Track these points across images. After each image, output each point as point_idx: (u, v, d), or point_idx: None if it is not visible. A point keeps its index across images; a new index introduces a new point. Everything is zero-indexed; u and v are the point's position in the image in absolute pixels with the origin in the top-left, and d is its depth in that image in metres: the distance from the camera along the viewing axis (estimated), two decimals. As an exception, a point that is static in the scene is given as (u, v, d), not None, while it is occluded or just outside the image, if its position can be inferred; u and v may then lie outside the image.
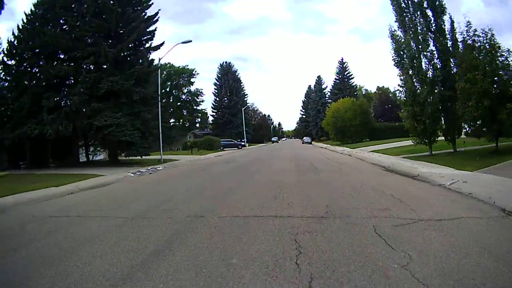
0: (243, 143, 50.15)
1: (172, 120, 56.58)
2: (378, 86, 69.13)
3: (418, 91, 12.95)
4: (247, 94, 76.27)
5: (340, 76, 58.70)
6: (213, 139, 34.58)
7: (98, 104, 17.76)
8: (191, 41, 20.68)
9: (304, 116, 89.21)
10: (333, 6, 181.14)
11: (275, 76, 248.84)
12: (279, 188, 7.13)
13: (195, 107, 54.95)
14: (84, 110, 18.34)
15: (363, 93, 69.85)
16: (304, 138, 59.86)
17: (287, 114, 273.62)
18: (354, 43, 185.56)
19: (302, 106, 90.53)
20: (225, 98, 60.48)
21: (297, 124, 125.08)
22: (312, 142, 55.39)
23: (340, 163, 13.38)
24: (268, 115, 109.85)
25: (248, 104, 67.57)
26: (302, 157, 18.45)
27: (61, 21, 19.45)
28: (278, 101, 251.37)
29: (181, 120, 55.41)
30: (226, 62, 62.57)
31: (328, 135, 63.32)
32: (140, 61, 20.36)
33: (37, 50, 19.34)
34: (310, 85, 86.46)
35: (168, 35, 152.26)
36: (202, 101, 54.79)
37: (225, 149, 39.00)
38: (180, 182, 9.84)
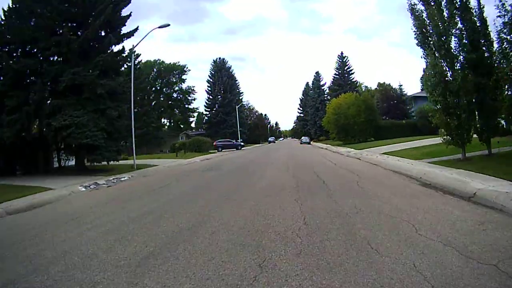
0: (242, 144, 47.73)
1: (164, 121, 53.78)
2: (379, 83, 66.21)
3: (449, 76, 10.16)
4: (242, 92, 73.45)
5: (339, 71, 55.83)
6: (202, 140, 31.60)
7: (57, 101, 14.95)
8: (169, 25, 17.79)
9: (301, 115, 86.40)
10: (329, 5, 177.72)
11: (271, 75, 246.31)
12: (258, 256, 3.46)
13: (187, 106, 51.99)
14: (44, 108, 15.59)
15: (363, 90, 67.16)
16: (302, 138, 56.72)
17: (284, 114, 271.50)
18: (351, 41, 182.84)
19: (299, 105, 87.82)
20: (219, 96, 57.31)
21: (294, 123, 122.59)
22: (311, 142, 52.60)
23: (353, 172, 10.46)
24: (265, 115, 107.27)
25: (243, 102, 64.68)
26: (301, 162, 15.60)
27: (35, 12, 16.77)
28: (275, 101, 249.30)
29: (172, 120, 52.54)
30: (219, 58, 59.51)
31: (328, 135, 60.65)
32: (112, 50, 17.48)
33: (12, 47, 16.78)
34: (307, 82, 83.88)
35: (164, 35, 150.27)
36: (194, 99, 51.86)
37: (223, 150, 36.61)
38: (123, 209, 6.83)
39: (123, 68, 19.94)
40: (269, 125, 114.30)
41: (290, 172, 11.31)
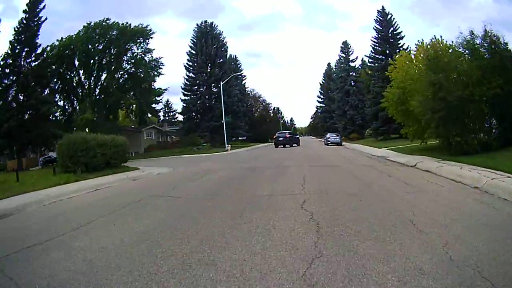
0: (297, 136, 38.97)
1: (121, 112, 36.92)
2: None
3: None
4: (244, 76, 55.69)
5: (381, 34, 36.83)
6: (81, 140, 11.82)
7: None
8: None
9: (323, 105, 67.66)
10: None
11: (287, 72, 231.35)
12: None
13: (151, 87, 34.71)
14: None
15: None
16: (329, 135, 36.43)
17: (300, 111, 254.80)
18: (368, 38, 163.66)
19: (320, 92, 68.92)
20: (203, 74, 39.37)
21: (311, 119, 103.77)
22: (342, 142, 33.72)
23: None
24: (278, 108, 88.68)
25: (247, 89, 46.36)
26: None
27: None
28: (290, 97, 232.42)
29: (130, 107, 35.47)
30: (205, 21, 41.58)
31: (362, 132, 41.71)
32: None
33: None
34: (329, 63, 65.09)
35: (179, 30, 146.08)
36: (159, 75, 34.39)
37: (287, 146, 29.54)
38: None
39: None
40: (282, 120, 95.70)
41: None
